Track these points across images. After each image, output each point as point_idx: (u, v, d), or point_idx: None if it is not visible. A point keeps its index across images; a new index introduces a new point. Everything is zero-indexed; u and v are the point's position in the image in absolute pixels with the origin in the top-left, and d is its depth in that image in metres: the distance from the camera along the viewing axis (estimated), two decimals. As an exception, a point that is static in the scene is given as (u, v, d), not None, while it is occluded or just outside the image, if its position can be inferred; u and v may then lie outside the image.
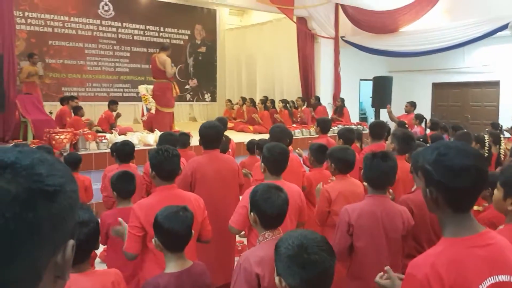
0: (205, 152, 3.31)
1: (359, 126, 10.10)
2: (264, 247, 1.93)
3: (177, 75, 12.44)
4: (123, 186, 2.99)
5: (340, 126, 9.60)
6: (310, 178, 4.06)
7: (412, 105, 8.60)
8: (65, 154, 5.66)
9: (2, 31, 6.76)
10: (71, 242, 0.66)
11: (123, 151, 3.75)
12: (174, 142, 3.94)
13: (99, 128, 8.56)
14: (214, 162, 3.25)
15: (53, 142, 5.91)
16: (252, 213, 2.07)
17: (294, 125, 9.61)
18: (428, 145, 5.04)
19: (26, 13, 9.93)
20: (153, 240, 2.04)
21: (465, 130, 5.71)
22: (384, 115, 8.91)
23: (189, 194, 2.61)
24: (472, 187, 1.32)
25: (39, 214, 0.58)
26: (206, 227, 2.60)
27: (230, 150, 4.92)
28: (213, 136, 3.31)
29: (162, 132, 4.40)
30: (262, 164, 2.89)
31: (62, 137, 6.00)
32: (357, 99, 12.11)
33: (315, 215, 3.44)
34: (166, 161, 2.49)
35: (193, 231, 2.06)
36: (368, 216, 2.40)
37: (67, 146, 6.04)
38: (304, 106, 10.37)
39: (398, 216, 2.44)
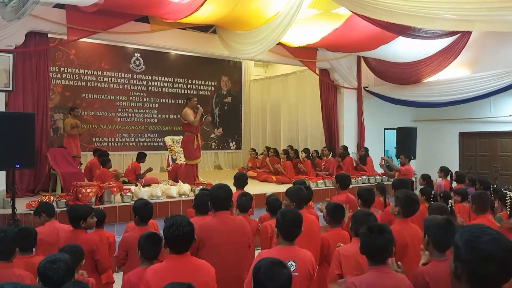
0: (215, 214, 3.29)
1: (384, 176, 9.98)
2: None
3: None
4: (149, 248, 2.99)
5: (364, 177, 9.56)
6: (327, 238, 4.01)
7: (407, 156, 8.77)
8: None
9: (38, 89, 7.19)
10: None
11: (141, 213, 3.80)
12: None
13: (126, 179, 8.80)
14: (225, 225, 3.22)
15: (79, 195, 6.11)
16: None
17: (317, 173, 9.63)
18: (450, 201, 4.96)
19: (62, 68, 10.55)
20: None
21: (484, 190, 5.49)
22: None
23: (201, 262, 2.64)
24: (494, 275, 1.39)
25: None
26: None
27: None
28: (223, 196, 3.28)
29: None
30: (276, 229, 2.92)
31: (88, 190, 6.18)
32: (382, 148, 12.01)
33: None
34: (177, 237, 2.53)
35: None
36: None
37: (93, 199, 6.22)
38: (330, 156, 10.36)
39: None
